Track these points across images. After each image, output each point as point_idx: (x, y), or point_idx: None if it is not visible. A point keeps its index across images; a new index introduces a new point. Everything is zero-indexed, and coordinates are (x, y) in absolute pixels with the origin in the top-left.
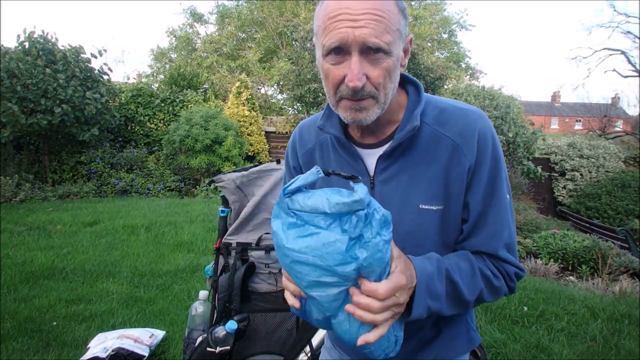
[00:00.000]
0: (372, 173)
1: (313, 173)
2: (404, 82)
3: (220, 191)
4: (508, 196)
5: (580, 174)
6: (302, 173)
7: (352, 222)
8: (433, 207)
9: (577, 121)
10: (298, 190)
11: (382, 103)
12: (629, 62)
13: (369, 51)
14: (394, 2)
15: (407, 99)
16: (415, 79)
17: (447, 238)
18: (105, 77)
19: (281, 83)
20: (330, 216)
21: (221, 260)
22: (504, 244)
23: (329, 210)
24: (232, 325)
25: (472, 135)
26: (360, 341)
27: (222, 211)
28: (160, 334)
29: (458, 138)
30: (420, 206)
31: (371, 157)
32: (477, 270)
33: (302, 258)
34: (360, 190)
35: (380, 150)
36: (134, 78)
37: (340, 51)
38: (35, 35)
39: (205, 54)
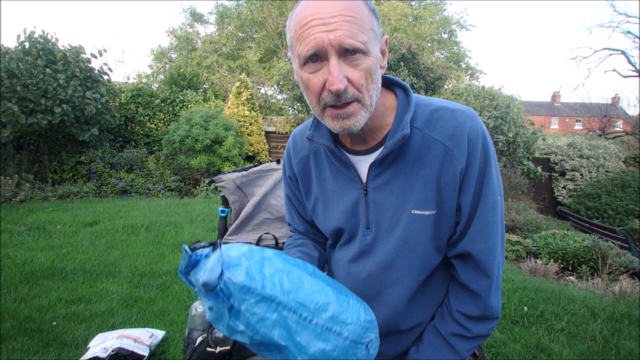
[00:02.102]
0: (365, 180)
1: (184, 254)
2: (392, 84)
3: (220, 191)
4: (499, 198)
5: (580, 174)
6: (297, 182)
7: (219, 297)
8: (426, 212)
9: (577, 121)
10: (190, 268)
11: (368, 106)
12: (629, 62)
13: (347, 53)
14: (364, 3)
15: (396, 103)
16: (403, 81)
17: (440, 242)
18: (105, 77)
19: (281, 83)
20: (208, 294)
21: None
22: (487, 247)
23: (204, 291)
24: None
25: (462, 137)
26: None
27: (222, 211)
28: (160, 334)
29: (448, 141)
30: (413, 211)
31: (363, 164)
32: (448, 339)
33: (219, 329)
34: (208, 269)
35: (372, 157)
36: (134, 78)
37: (317, 58)
38: (35, 35)
39: (205, 54)
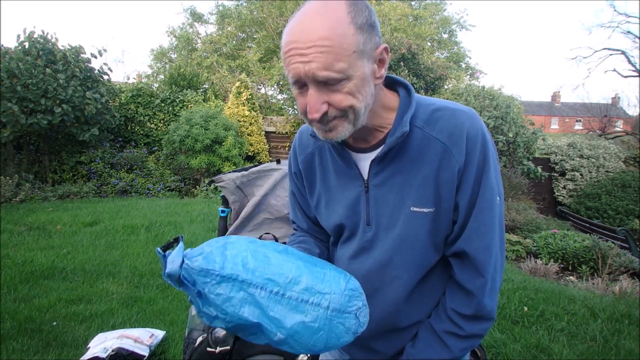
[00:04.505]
0: (365, 177)
1: (159, 257)
2: (395, 84)
3: (220, 191)
4: (498, 199)
5: (580, 174)
6: (302, 178)
7: (186, 286)
8: (424, 210)
9: (577, 121)
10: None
11: (353, 120)
12: (629, 62)
13: (324, 82)
14: (348, 22)
15: (399, 102)
16: (405, 80)
17: (438, 240)
18: (105, 77)
19: (281, 83)
20: (184, 288)
21: None
22: (482, 246)
23: (171, 283)
24: None
25: (461, 137)
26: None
27: (222, 211)
28: (160, 334)
29: (447, 140)
30: (411, 209)
31: (365, 161)
32: (441, 336)
33: (204, 320)
34: (169, 260)
35: (373, 154)
36: (134, 78)
37: (299, 83)
38: (35, 35)
39: (205, 54)
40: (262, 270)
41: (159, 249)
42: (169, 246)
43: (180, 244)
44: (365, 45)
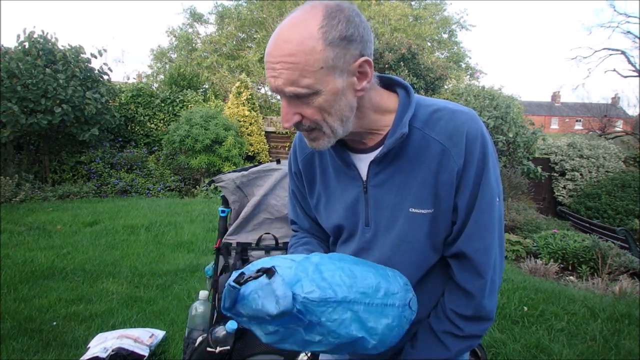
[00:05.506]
0: (364, 178)
1: (230, 290)
2: (394, 85)
3: (220, 191)
4: (497, 200)
5: (580, 174)
6: (302, 178)
7: (293, 319)
8: (423, 211)
9: (577, 121)
10: (236, 302)
11: (330, 133)
12: (629, 62)
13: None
14: (317, 38)
15: (398, 103)
16: (404, 81)
17: (437, 241)
18: (105, 77)
19: None
20: (274, 320)
21: (221, 260)
22: (482, 247)
23: (278, 318)
24: (232, 325)
25: (461, 138)
26: None
27: (222, 211)
28: (160, 334)
29: (447, 141)
30: (410, 210)
31: (364, 162)
32: (439, 335)
33: (286, 347)
34: (281, 296)
35: (372, 155)
36: (134, 78)
37: (277, 93)
38: (35, 35)
39: (205, 54)
40: (356, 285)
41: (232, 283)
42: (246, 279)
43: (279, 276)
44: (337, 60)
